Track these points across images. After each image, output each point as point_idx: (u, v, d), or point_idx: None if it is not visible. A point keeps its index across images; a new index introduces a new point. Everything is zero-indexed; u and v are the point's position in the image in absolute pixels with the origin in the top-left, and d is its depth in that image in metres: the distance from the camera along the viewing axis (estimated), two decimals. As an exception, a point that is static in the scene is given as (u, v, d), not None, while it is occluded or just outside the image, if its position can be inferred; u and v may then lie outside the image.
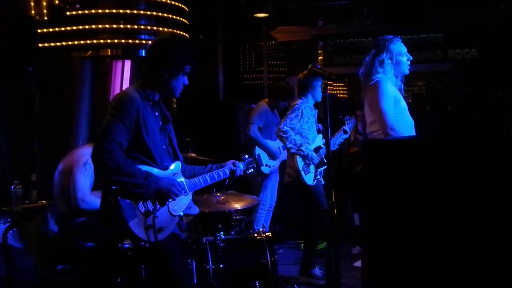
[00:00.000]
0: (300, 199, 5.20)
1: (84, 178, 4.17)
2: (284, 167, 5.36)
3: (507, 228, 1.96)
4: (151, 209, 2.87)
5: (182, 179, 3.12)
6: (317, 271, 4.92)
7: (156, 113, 3.00)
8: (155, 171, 2.91)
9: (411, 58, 3.82)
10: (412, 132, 3.73)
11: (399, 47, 3.78)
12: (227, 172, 3.30)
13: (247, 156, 3.57)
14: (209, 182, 3.23)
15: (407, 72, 3.82)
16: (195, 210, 3.26)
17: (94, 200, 4.22)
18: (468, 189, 2.01)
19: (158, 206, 2.92)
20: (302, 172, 4.80)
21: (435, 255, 2.02)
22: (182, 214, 3.08)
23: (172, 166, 3.07)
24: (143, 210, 2.86)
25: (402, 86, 3.87)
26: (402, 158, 2.10)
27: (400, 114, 3.70)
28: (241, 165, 3.39)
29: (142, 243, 2.88)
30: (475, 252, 2.00)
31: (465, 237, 2.01)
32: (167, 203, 2.97)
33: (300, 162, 4.80)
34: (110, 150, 2.72)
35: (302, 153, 4.77)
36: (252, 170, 3.51)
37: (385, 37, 3.81)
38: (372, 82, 3.73)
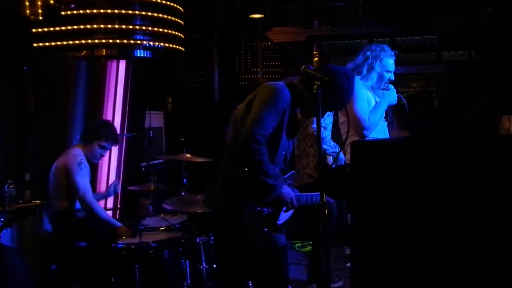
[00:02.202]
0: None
1: (83, 178, 4.19)
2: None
3: (490, 228, 1.98)
4: (266, 212, 2.83)
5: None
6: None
7: (292, 119, 2.91)
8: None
9: (393, 78, 3.77)
10: (383, 136, 3.72)
11: (388, 62, 3.74)
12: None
13: None
14: (309, 201, 3.07)
15: (381, 88, 3.74)
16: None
17: (93, 202, 4.22)
18: (453, 190, 2.02)
19: (271, 210, 2.86)
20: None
21: (422, 255, 2.04)
22: (279, 224, 3.01)
23: (288, 175, 3.00)
24: (258, 209, 2.82)
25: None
26: (387, 159, 2.12)
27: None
28: None
29: (245, 242, 2.85)
30: (460, 252, 2.02)
31: (449, 238, 2.03)
32: (281, 211, 2.91)
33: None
34: (261, 143, 2.65)
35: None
36: None
37: (381, 46, 3.77)
38: None
